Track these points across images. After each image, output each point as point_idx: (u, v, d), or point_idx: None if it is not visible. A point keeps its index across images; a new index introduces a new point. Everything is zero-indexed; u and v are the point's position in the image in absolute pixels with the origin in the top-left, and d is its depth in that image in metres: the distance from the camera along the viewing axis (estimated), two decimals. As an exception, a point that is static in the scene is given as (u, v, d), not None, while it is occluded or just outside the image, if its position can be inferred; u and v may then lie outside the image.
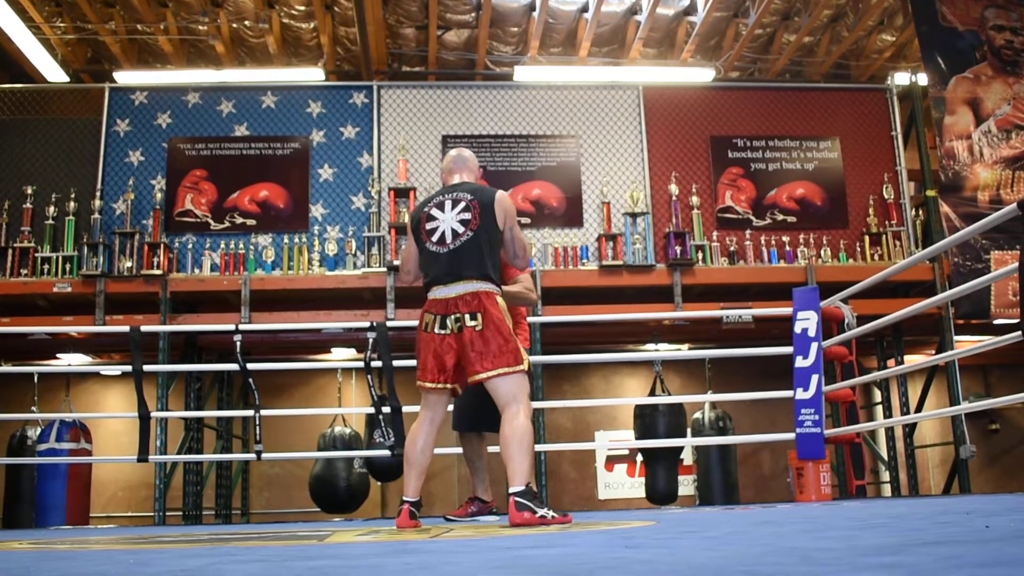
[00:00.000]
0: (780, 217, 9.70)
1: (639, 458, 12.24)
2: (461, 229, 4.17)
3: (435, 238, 4.20)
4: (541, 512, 3.84)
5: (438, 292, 4.14)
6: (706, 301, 9.27)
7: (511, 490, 3.87)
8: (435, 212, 4.26)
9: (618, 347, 10.92)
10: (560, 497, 11.49)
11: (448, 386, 4.15)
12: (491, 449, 5.27)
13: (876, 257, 9.47)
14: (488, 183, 4.63)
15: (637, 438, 9.32)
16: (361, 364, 6.81)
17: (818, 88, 10.61)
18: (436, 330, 4.09)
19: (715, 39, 10.90)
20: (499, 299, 4.13)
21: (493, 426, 4.97)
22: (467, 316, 4.03)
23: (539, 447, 7.98)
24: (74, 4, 9.68)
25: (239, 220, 9.28)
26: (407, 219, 4.43)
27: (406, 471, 4.18)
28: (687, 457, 10.46)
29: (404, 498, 4.14)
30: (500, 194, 4.29)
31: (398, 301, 8.83)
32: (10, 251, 8.86)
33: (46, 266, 8.84)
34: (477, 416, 4.92)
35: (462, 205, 4.21)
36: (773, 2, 9.89)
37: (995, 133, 9.62)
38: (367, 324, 6.79)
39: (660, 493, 9.23)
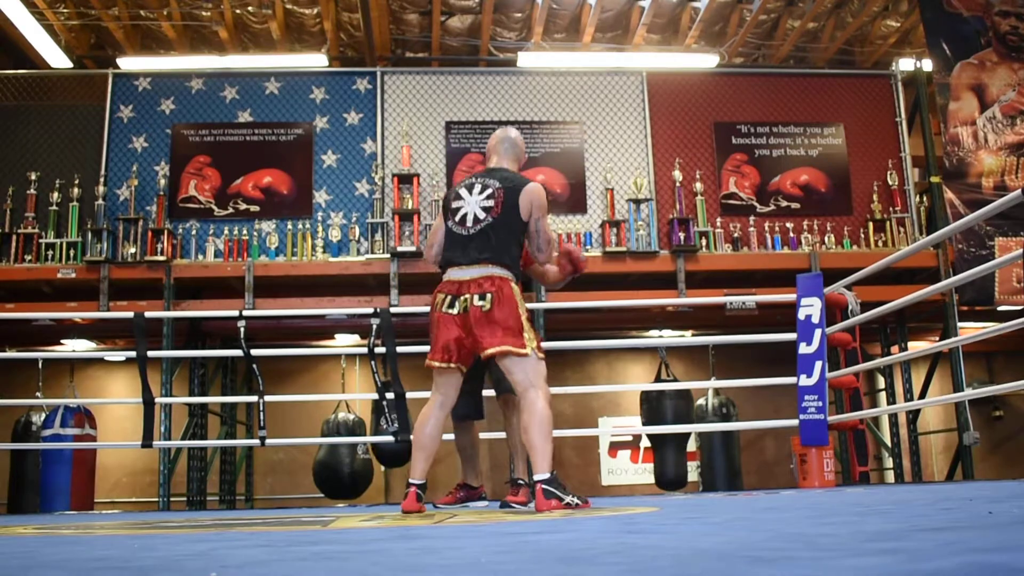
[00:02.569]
0: (784, 203, 9.68)
1: (643, 444, 12.26)
2: (483, 215, 4.21)
3: (457, 218, 4.27)
4: (567, 499, 3.90)
5: (453, 273, 4.19)
6: (709, 287, 9.26)
7: (536, 477, 3.91)
8: (463, 192, 4.32)
9: (621, 333, 10.92)
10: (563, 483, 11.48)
11: (453, 365, 4.16)
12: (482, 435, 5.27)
13: (880, 243, 9.45)
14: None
15: (644, 423, 9.33)
16: (365, 350, 6.82)
17: (822, 74, 10.58)
18: (445, 309, 4.13)
19: (719, 25, 10.86)
20: (513, 285, 4.15)
21: (479, 413, 4.99)
22: (476, 296, 4.06)
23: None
24: (77, -10, 9.67)
25: (243, 206, 9.28)
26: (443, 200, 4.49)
27: (414, 454, 4.19)
28: (691, 443, 10.45)
29: (411, 480, 4.14)
30: (530, 186, 4.31)
31: (402, 287, 8.83)
32: (14, 237, 8.86)
33: (50, 252, 8.84)
34: (471, 405, 4.91)
35: (488, 191, 4.25)
36: (778, -13, 9.85)
37: (1000, 119, 9.59)
38: (371, 310, 6.80)
39: (669, 478, 9.25)
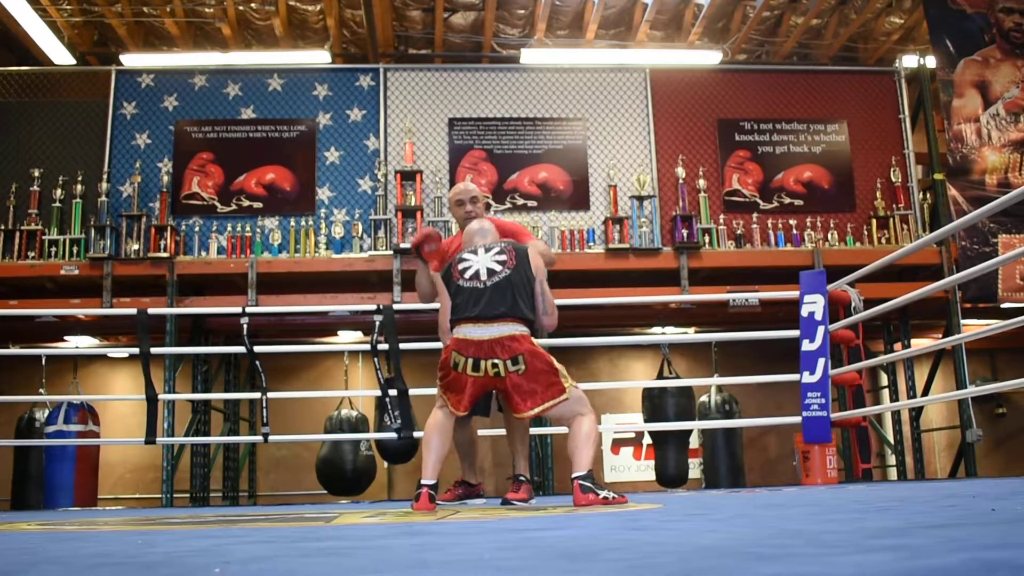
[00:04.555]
0: (787, 200, 9.68)
1: (645, 441, 12.27)
2: (498, 268, 4.14)
3: (468, 275, 4.16)
4: (603, 493, 3.90)
5: (470, 331, 4.05)
6: (712, 284, 9.25)
7: (575, 475, 3.95)
8: (467, 255, 4.25)
9: (624, 330, 10.91)
10: (567, 480, 11.48)
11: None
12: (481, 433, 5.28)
13: (883, 240, 9.45)
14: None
15: (646, 420, 9.34)
16: (368, 347, 6.83)
17: (826, 71, 10.56)
18: (469, 372, 4.04)
19: (722, 21, 10.85)
20: (533, 340, 4.12)
21: (486, 410, 4.99)
22: (508, 362, 3.99)
23: (545, 430, 8.01)
24: (80, -14, 9.68)
25: (246, 203, 9.29)
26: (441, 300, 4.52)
27: (424, 454, 4.17)
28: (693, 440, 10.46)
29: (423, 481, 4.10)
30: (534, 245, 4.36)
31: (405, 284, 8.83)
32: (17, 234, 8.87)
33: (53, 249, 8.85)
34: (478, 403, 4.90)
35: (497, 248, 4.23)
36: (781, -16, 9.84)
37: (1003, 116, 9.58)
38: (374, 307, 6.80)
39: (670, 476, 9.26)
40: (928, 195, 9.92)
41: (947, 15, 9.70)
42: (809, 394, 6.73)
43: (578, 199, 9.46)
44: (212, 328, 9.92)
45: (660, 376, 9.31)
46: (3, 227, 8.91)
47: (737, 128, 9.84)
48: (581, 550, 1.73)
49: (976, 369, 12.45)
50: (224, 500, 10.32)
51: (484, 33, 10.72)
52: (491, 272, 4.13)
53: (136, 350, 6.82)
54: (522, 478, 4.86)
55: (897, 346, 10.26)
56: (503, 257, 4.18)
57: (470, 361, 4.03)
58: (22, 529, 3.36)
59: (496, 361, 3.99)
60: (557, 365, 4.08)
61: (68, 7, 9.91)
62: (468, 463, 5.13)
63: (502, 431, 5.16)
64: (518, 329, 4.06)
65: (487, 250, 4.23)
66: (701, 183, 9.43)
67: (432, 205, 9.20)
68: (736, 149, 9.78)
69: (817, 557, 1.44)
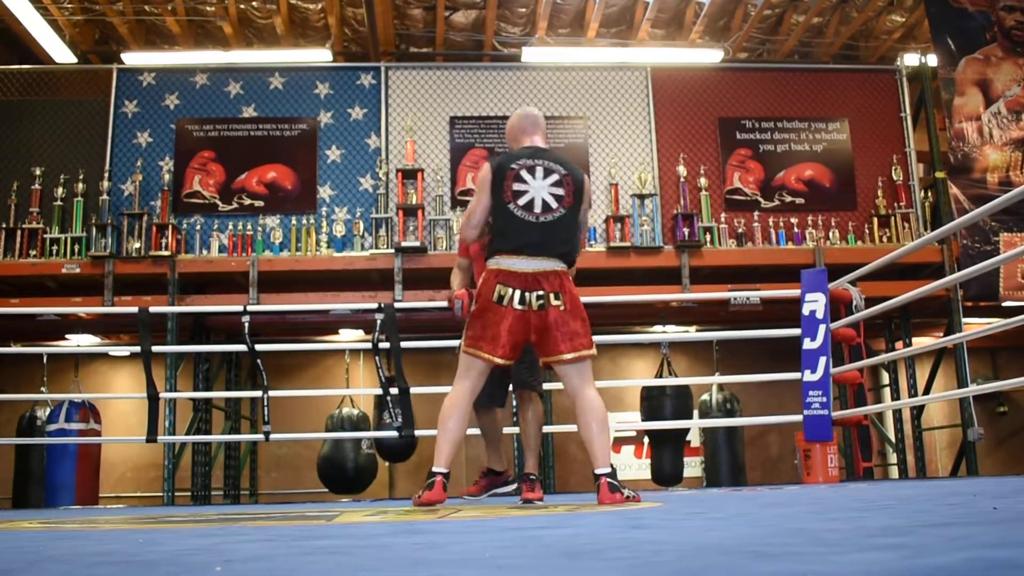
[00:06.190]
0: (788, 199, 9.67)
1: (646, 440, 12.27)
2: (555, 204, 4.02)
3: (522, 202, 4.01)
4: (627, 492, 3.87)
5: (517, 263, 3.94)
6: (714, 283, 9.25)
7: (599, 471, 3.85)
8: (525, 175, 4.05)
9: (625, 329, 10.91)
10: (567, 478, 11.52)
11: (509, 362, 4.03)
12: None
13: (884, 239, 9.44)
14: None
15: (644, 420, 9.34)
16: (369, 345, 6.83)
17: (827, 69, 10.55)
18: (516, 304, 3.90)
19: (723, 20, 10.85)
20: (571, 280, 4.05)
21: (502, 401, 5.00)
22: (552, 295, 3.90)
23: (547, 429, 8.00)
24: (81, -15, 9.68)
25: (247, 201, 9.28)
26: (485, 169, 4.13)
27: (440, 442, 3.96)
28: (694, 439, 10.47)
29: (436, 469, 3.93)
30: (586, 178, 4.22)
31: (406, 283, 8.83)
32: (19, 232, 8.87)
33: (55, 247, 8.86)
34: (496, 391, 4.91)
35: (555, 178, 4.06)
36: (782, -18, 9.84)
37: (1005, 114, 9.58)
38: (375, 305, 6.81)
39: (666, 474, 9.26)
40: (929, 193, 9.91)
41: (948, 13, 9.69)
42: (810, 392, 6.73)
43: (579, 197, 9.43)
44: (213, 327, 9.93)
45: (659, 376, 9.31)
46: (4, 225, 8.92)
47: (738, 126, 9.83)
48: (583, 548, 1.73)
49: (977, 368, 12.45)
50: (225, 499, 10.33)
51: (485, 31, 10.72)
52: (546, 207, 4.00)
53: (137, 348, 6.82)
54: (533, 477, 4.87)
55: (898, 344, 10.25)
56: (560, 192, 4.04)
57: (516, 293, 3.90)
58: (23, 527, 3.36)
59: (541, 292, 3.89)
60: (587, 319, 4.02)
61: (69, 5, 9.91)
62: (493, 448, 5.12)
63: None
64: (560, 266, 3.99)
65: (546, 173, 4.07)
66: (702, 181, 9.43)
67: (433, 204, 9.19)
68: (737, 147, 9.77)
69: (818, 556, 1.44)
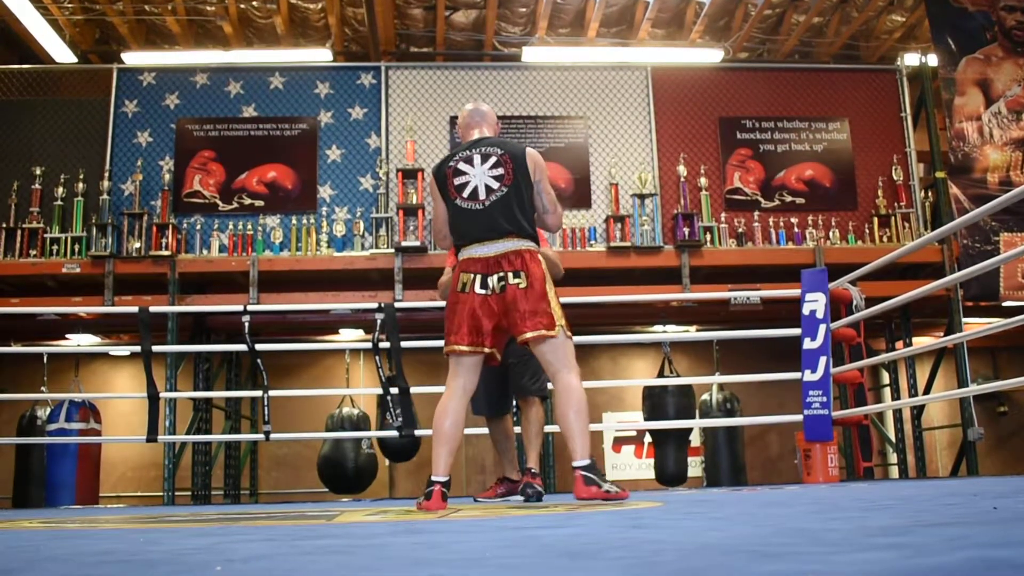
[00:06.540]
0: (789, 198, 9.67)
1: (647, 439, 12.27)
2: (495, 184, 3.97)
3: (466, 194, 3.99)
4: (606, 487, 3.75)
5: (476, 251, 3.92)
6: (714, 283, 9.25)
7: (576, 464, 3.78)
8: (463, 167, 4.04)
9: (626, 328, 10.91)
10: (568, 478, 11.50)
11: (485, 350, 3.91)
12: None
13: (885, 239, 9.44)
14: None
15: (646, 419, 9.33)
16: (369, 345, 6.83)
17: (827, 69, 10.55)
18: (477, 289, 3.87)
19: (724, 20, 10.85)
20: (541, 257, 3.96)
21: (508, 407, 5.04)
22: (511, 274, 3.84)
23: (547, 428, 8.00)
24: (81, -16, 9.68)
25: (247, 201, 9.29)
26: (430, 177, 4.19)
27: (436, 448, 3.86)
28: (695, 439, 10.46)
29: (434, 478, 3.82)
30: (530, 149, 4.13)
31: (406, 282, 8.84)
32: (19, 232, 8.88)
33: (55, 247, 8.86)
34: (501, 399, 4.96)
35: (493, 160, 4.02)
36: (783, -18, 9.83)
37: (1005, 114, 9.58)
38: (375, 305, 6.81)
39: (669, 474, 9.25)
40: (930, 193, 9.91)
41: (949, 13, 9.69)
42: (810, 392, 6.73)
43: (580, 197, 9.46)
44: (213, 326, 9.93)
45: (660, 375, 9.31)
46: (5, 225, 8.93)
47: (739, 126, 9.83)
48: (583, 548, 1.73)
49: (977, 367, 12.45)
50: (225, 498, 10.33)
51: (486, 31, 10.72)
52: (489, 189, 3.97)
53: (138, 348, 6.82)
54: (534, 470, 4.91)
55: (898, 344, 10.26)
56: (499, 172, 3.99)
57: (478, 278, 3.88)
58: (24, 527, 3.36)
59: (501, 274, 3.85)
60: (553, 302, 3.89)
61: (70, 5, 9.92)
62: (508, 459, 5.19)
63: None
64: (524, 244, 3.93)
65: (484, 159, 4.04)
66: (703, 181, 9.43)
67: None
68: (738, 147, 9.77)
69: (819, 555, 1.44)
